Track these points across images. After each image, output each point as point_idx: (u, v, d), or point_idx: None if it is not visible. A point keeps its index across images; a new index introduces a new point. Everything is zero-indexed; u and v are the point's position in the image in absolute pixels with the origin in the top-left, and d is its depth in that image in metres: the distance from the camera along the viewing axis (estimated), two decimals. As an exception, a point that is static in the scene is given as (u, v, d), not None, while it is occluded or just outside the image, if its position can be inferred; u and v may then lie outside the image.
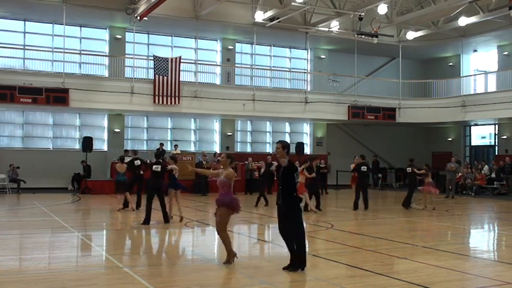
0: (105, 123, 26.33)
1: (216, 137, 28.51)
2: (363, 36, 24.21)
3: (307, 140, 30.32)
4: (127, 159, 21.54)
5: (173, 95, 23.65)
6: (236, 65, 27.96)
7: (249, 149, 29.09)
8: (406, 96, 28.63)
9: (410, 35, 26.62)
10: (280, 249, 9.46)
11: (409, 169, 18.26)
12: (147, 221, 12.96)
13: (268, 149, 29.21)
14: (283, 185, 8.11)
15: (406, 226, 13.98)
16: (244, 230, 13.18)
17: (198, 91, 24.28)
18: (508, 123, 27.50)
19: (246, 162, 24.67)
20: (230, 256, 8.37)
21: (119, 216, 15.32)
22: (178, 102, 23.82)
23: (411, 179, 18.38)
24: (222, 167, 8.67)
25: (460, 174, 25.22)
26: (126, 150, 23.84)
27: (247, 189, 24.15)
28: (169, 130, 27.87)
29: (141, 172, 16.89)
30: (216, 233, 8.25)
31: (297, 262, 7.98)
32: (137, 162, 16.99)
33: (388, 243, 10.91)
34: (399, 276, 7.71)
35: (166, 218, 13.39)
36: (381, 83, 29.20)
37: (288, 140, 30.00)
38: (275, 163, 17.01)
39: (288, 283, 7.52)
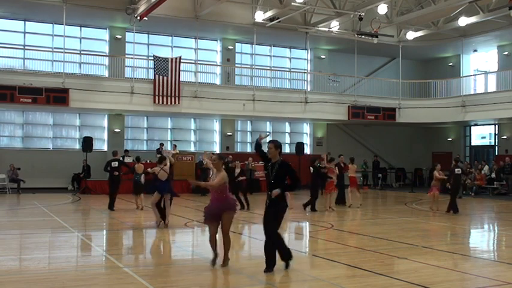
0: (105, 123, 26.32)
1: (216, 137, 28.49)
2: (363, 36, 24.20)
3: (307, 140, 30.29)
4: (127, 160, 21.63)
5: (173, 95, 23.64)
6: (236, 65, 27.94)
7: (249, 149, 29.02)
8: (406, 96, 28.61)
9: (410, 35, 26.60)
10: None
11: (458, 170, 16.90)
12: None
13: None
14: (275, 185, 7.92)
15: (406, 226, 13.97)
16: (244, 230, 13.18)
17: (198, 91, 24.27)
18: (508, 123, 27.49)
19: (246, 162, 24.66)
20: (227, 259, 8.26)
21: (117, 216, 15.33)
22: (178, 102, 23.81)
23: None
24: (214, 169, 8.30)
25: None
26: (126, 151, 23.91)
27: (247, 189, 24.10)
28: (169, 130, 27.85)
29: (116, 173, 16.79)
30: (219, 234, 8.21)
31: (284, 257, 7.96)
32: (114, 164, 16.87)
33: (388, 243, 10.91)
34: (399, 276, 7.71)
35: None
36: (381, 83, 29.19)
37: (288, 140, 30.09)
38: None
39: (288, 283, 7.53)
